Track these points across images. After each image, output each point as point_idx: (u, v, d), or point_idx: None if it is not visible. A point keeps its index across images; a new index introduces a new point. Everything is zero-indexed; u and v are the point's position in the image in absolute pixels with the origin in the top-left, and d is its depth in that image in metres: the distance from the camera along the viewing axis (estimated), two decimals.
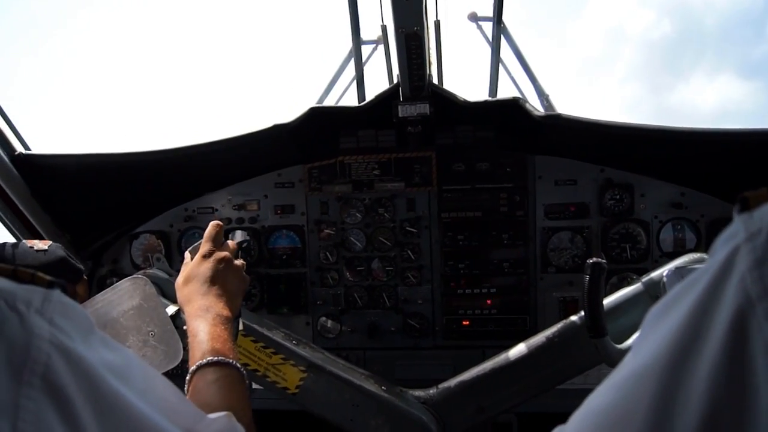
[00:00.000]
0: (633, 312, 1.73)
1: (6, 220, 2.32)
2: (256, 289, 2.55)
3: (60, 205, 2.37)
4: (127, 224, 2.60)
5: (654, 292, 1.72)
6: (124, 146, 2.33)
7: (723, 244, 0.46)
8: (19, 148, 2.26)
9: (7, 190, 2.23)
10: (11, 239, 2.34)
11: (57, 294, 0.54)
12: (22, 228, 2.36)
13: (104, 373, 0.53)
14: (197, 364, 1.05)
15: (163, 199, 2.58)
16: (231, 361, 1.06)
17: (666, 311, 0.49)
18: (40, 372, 0.48)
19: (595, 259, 1.58)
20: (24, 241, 1.79)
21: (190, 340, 1.14)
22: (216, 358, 1.05)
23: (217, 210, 2.57)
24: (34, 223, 2.35)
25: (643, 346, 0.50)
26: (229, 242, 1.43)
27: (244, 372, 1.07)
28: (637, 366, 0.48)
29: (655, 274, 1.73)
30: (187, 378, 1.05)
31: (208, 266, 1.30)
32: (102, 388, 0.52)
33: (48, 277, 0.54)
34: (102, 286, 2.57)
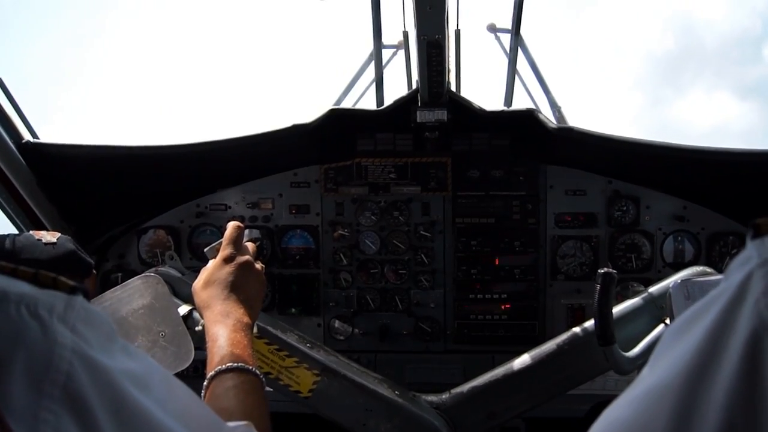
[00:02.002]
0: (640, 321, 1.80)
1: (9, 211, 2.25)
2: (268, 289, 2.53)
3: (66, 196, 2.31)
4: (136, 218, 2.55)
5: (660, 302, 1.80)
6: (140, 140, 2.30)
7: (737, 268, 0.48)
8: (27, 136, 2.21)
9: (12, 179, 2.17)
10: (14, 230, 2.27)
11: (80, 300, 0.52)
12: (26, 219, 2.30)
13: (125, 382, 0.52)
14: (216, 369, 1.04)
15: (174, 194, 2.55)
16: (250, 367, 1.06)
17: (683, 330, 0.52)
18: (61, 382, 0.47)
19: (606, 269, 1.65)
20: (30, 232, 1.74)
21: (209, 345, 1.14)
22: (235, 364, 1.05)
23: (230, 207, 2.55)
24: (38, 214, 2.29)
25: (660, 363, 0.52)
26: (249, 244, 1.41)
27: (263, 379, 1.08)
28: (655, 382, 0.50)
29: (660, 285, 1.81)
30: (205, 383, 1.05)
31: (228, 270, 1.28)
32: (123, 398, 0.51)
33: (71, 282, 0.53)
34: (107, 281, 2.51)
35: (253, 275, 1.31)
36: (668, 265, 2.45)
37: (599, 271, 1.66)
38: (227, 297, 1.24)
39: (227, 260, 1.30)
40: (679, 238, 2.45)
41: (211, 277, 1.28)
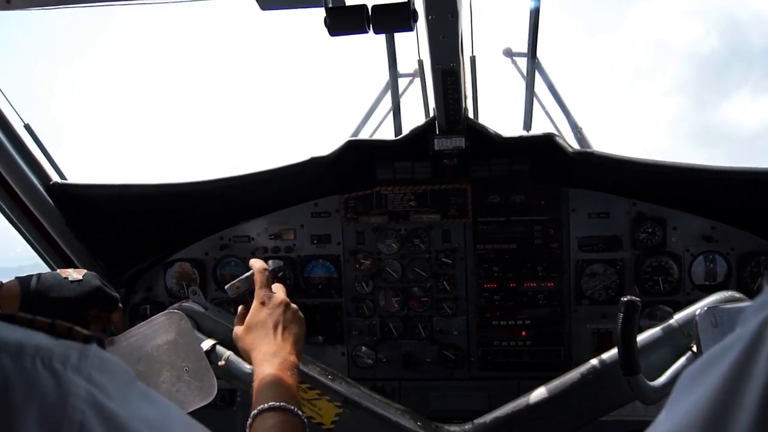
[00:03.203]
0: (665, 349, 1.76)
1: (41, 250, 2.33)
2: None
3: (95, 234, 2.38)
4: (162, 252, 2.61)
5: (686, 329, 1.76)
6: (161, 175, 2.36)
7: (754, 314, 0.48)
8: (55, 177, 2.29)
9: (42, 220, 2.25)
10: (46, 269, 2.35)
11: (94, 349, 0.53)
12: (56, 257, 2.38)
13: (141, 429, 0.52)
14: (259, 408, 1.06)
15: (198, 228, 2.60)
16: (293, 408, 1.07)
17: (700, 376, 0.51)
18: None
19: (629, 297, 1.62)
20: (58, 270, 1.80)
21: (255, 384, 1.16)
22: (278, 403, 1.07)
23: (253, 239, 2.59)
24: (68, 252, 2.37)
25: (677, 408, 0.52)
26: (279, 286, 1.44)
27: (305, 420, 1.09)
28: (672, 428, 0.50)
29: (687, 312, 1.77)
30: (249, 421, 1.06)
31: (268, 312, 1.31)
32: None
33: (85, 332, 0.54)
34: (135, 313, 2.58)
35: (291, 313, 1.34)
36: (697, 287, 2.40)
37: (622, 299, 1.63)
38: (273, 337, 1.27)
39: (264, 303, 1.33)
40: (711, 256, 2.39)
41: (252, 321, 1.32)
